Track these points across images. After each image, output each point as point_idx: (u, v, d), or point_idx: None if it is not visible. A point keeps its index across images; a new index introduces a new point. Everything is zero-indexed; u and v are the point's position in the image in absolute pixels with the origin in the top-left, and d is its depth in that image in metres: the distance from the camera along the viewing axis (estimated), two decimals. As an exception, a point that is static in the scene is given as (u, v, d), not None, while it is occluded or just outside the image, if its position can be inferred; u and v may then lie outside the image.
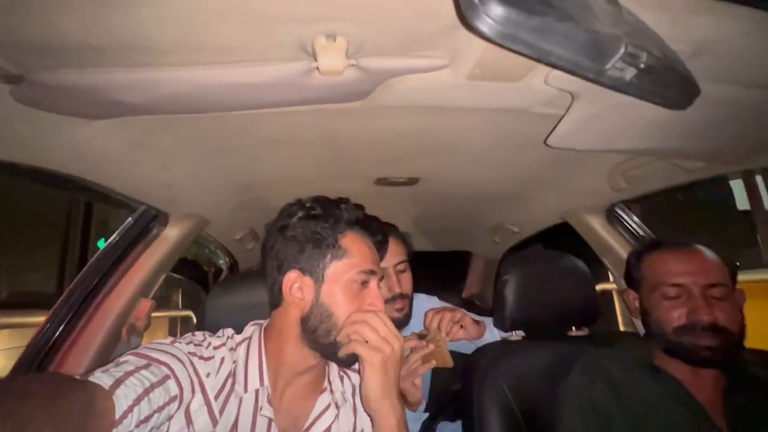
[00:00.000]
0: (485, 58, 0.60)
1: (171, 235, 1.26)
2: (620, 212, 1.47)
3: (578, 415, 0.84)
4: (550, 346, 1.08)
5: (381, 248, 0.81)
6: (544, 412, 0.91)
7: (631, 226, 1.46)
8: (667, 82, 0.45)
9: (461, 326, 1.06)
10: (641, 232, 1.44)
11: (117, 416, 0.50)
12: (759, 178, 3.12)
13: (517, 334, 1.16)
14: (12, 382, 0.44)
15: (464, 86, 0.70)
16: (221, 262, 2.34)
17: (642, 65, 0.39)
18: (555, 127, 0.78)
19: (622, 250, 1.42)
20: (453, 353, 1.08)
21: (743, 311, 0.82)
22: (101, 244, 1.23)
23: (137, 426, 0.53)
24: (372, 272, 0.74)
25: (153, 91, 0.68)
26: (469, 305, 2.28)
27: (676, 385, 0.81)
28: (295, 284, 0.72)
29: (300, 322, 0.72)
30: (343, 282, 0.71)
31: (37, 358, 1.02)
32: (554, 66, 0.43)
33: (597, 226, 1.46)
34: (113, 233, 1.23)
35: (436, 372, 1.37)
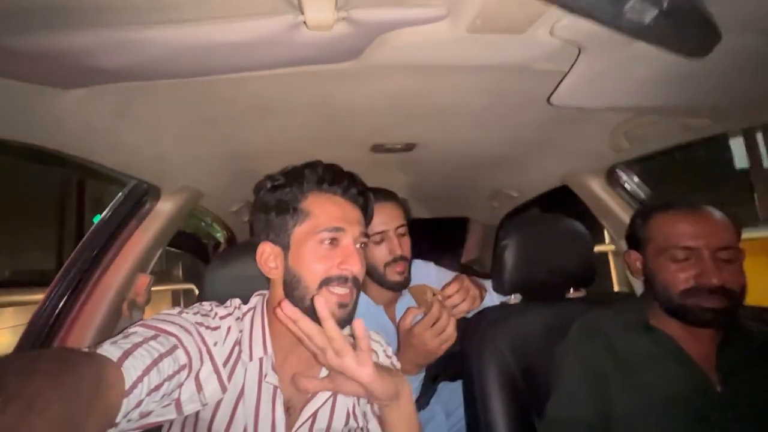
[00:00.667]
0: (487, 6, 0.55)
1: (164, 209, 1.23)
2: (621, 174, 1.45)
3: (576, 373, 0.86)
4: (548, 308, 1.09)
5: (358, 202, 0.77)
6: (542, 372, 0.93)
7: (631, 187, 1.44)
8: (687, 27, 0.42)
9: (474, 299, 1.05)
10: (642, 194, 1.43)
11: (127, 387, 0.51)
12: (759, 136, 3.07)
13: (516, 297, 1.17)
14: (17, 359, 0.43)
15: (463, 40, 0.66)
16: (219, 234, 2.33)
17: (664, 5, 0.36)
18: (559, 83, 0.74)
19: (622, 212, 1.41)
20: (460, 320, 1.09)
21: (744, 270, 0.81)
22: (96, 219, 1.21)
23: (148, 395, 0.54)
24: (339, 229, 0.71)
25: (130, 54, 0.63)
26: (468, 270, 2.30)
27: (670, 342, 0.83)
28: (269, 256, 0.73)
29: (284, 291, 0.73)
30: (308, 245, 0.71)
31: (41, 336, 1.02)
32: (567, 8, 0.39)
33: (597, 189, 1.45)
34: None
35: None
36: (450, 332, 0.95)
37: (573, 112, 0.95)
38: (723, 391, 0.77)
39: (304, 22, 0.55)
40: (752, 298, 0.84)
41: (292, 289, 0.71)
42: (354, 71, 0.78)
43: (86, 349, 0.52)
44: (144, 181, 1.16)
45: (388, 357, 0.86)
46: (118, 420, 0.50)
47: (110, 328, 1.11)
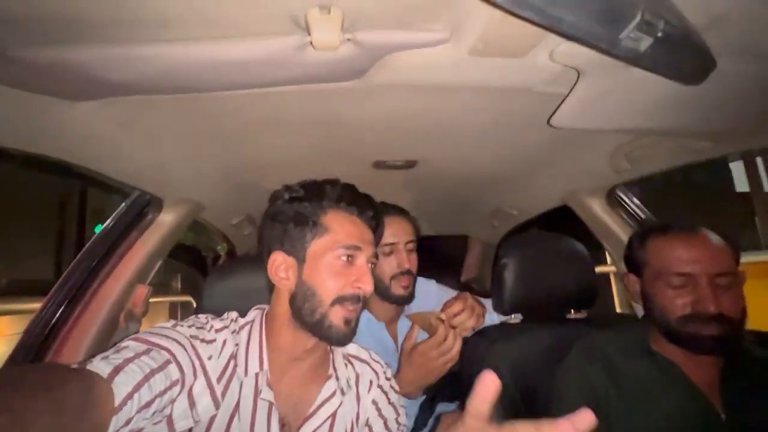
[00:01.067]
0: (488, 31, 0.57)
1: (166, 220, 1.24)
2: (621, 194, 1.45)
3: (576, 396, 0.84)
4: (549, 329, 1.08)
5: (371, 225, 0.79)
6: (542, 393, 0.92)
7: (632, 208, 1.45)
8: (682, 55, 0.43)
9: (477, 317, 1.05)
10: (642, 215, 1.43)
11: (116, 404, 0.50)
12: (759, 160, 3.10)
13: (516, 317, 1.16)
14: (4, 373, 0.43)
15: (465, 63, 0.67)
16: (219, 247, 2.33)
17: (658, 34, 0.37)
18: (559, 106, 0.75)
19: (623, 233, 1.41)
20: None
21: (743, 294, 0.80)
22: (98, 229, 1.21)
23: (138, 412, 0.53)
24: (356, 248, 0.72)
25: (139, 68, 0.65)
26: (467, 289, 2.28)
27: (672, 368, 0.81)
28: (280, 266, 0.73)
29: (289, 304, 0.73)
30: (325, 259, 0.71)
31: (35, 345, 1.01)
32: (565, 35, 0.40)
33: (597, 209, 1.45)
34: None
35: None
36: (456, 352, 0.95)
37: (573, 133, 0.96)
38: (727, 418, 0.76)
39: (311, 43, 0.57)
40: (754, 323, 0.84)
41: (303, 301, 0.71)
42: (357, 90, 0.80)
43: (76, 365, 0.52)
44: (146, 192, 1.17)
45: (388, 379, 0.85)
46: None
47: (106, 339, 1.10)
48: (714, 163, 1.16)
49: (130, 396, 0.51)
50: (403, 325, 1.27)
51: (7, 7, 0.51)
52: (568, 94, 0.73)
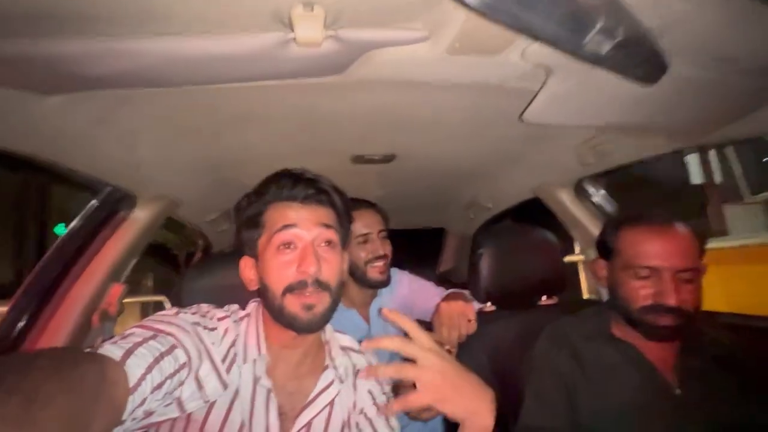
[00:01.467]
0: (465, 31, 0.60)
1: (140, 217, 1.21)
2: (588, 187, 1.53)
3: (546, 381, 0.88)
4: (521, 315, 1.14)
5: (319, 202, 0.75)
6: (515, 377, 0.97)
7: (598, 200, 1.53)
8: (638, 57, 0.47)
9: (468, 320, 1.08)
10: (608, 206, 1.52)
11: (131, 384, 0.50)
12: (712, 153, 3.32)
13: (490, 307, 1.22)
14: (14, 357, 0.42)
15: (442, 60, 0.70)
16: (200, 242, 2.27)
17: (617, 39, 0.41)
18: (530, 102, 0.80)
19: (590, 224, 1.49)
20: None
21: (701, 286, 0.84)
22: (60, 230, 1.17)
23: (151, 393, 0.54)
24: (289, 226, 0.71)
25: (116, 62, 0.63)
26: (444, 281, 2.34)
27: (631, 350, 0.87)
28: (245, 268, 0.76)
29: (262, 302, 0.75)
30: (268, 253, 0.72)
31: (3, 349, 0.97)
32: (534, 37, 0.44)
33: (566, 201, 1.53)
34: (74, 219, 1.16)
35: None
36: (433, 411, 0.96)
37: (543, 129, 1.01)
38: (681, 393, 0.82)
39: (294, 39, 0.58)
40: (705, 305, 0.91)
41: (264, 298, 0.73)
42: (338, 85, 0.81)
43: (88, 350, 0.52)
44: (119, 189, 1.13)
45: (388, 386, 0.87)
46: (124, 417, 0.50)
47: (79, 340, 1.07)
48: (672, 156, 1.24)
49: (143, 377, 0.52)
50: (374, 307, 1.33)
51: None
52: (538, 92, 0.77)
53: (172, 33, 0.58)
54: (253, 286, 0.76)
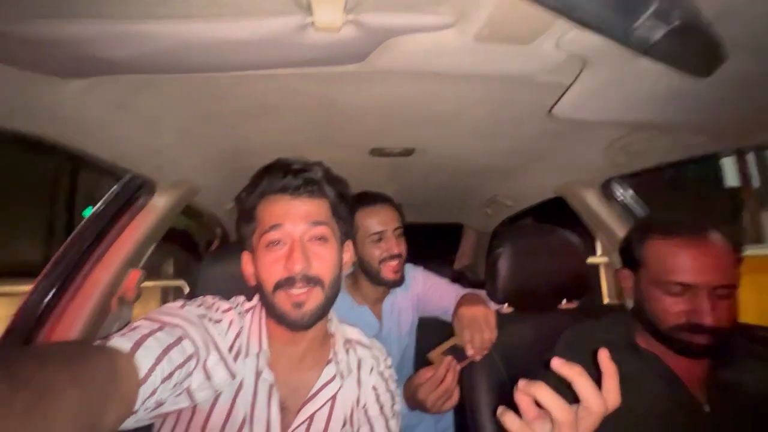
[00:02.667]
0: (495, 16, 0.56)
1: (159, 203, 1.22)
2: (616, 187, 1.46)
3: (562, 385, 0.85)
4: (541, 319, 1.09)
5: (310, 193, 0.73)
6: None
7: (626, 201, 1.46)
8: (694, 46, 0.42)
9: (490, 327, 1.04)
10: (637, 208, 1.44)
11: (141, 376, 0.51)
12: (750, 156, 3.14)
13: (507, 308, 1.17)
14: (24, 351, 0.42)
15: (469, 49, 0.66)
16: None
17: (673, 24, 0.36)
18: (561, 96, 0.75)
19: (616, 226, 1.42)
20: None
21: (738, 300, 0.77)
22: (87, 212, 1.19)
23: (162, 383, 0.54)
24: (275, 226, 0.70)
25: (134, 46, 0.62)
26: (460, 277, 2.31)
27: (657, 363, 0.82)
28: (245, 264, 0.76)
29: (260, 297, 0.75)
30: (260, 248, 0.72)
31: (25, 329, 1.00)
32: (577, 22, 0.39)
33: (592, 201, 1.46)
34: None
35: (422, 339, 1.41)
36: (455, 398, 0.93)
37: (572, 126, 0.96)
38: (710, 410, 0.77)
39: (312, 23, 0.55)
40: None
41: (259, 293, 0.73)
42: (358, 74, 0.78)
43: (98, 342, 0.52)
44: (139, 175, 1.14)
45: (388, 367, 0.86)
46: (136, 408, 0.50)
47: (98, 323, 1.09)
48: (706, 158, 1.16)
49: (153, 368, 0.52)
50: (387, 304, 1.30)
51: None
52: (570, 85, 0.72)
53: (189, 16, 0.57)
54: (253, 282, 0.75)
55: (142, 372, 0.51)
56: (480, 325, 1.02)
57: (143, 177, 1.15)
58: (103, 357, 0.48)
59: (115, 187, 1.18)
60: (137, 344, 0.53)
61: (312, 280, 0.69)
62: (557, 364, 0.54)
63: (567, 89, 0.73)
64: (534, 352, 0.97)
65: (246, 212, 0.75)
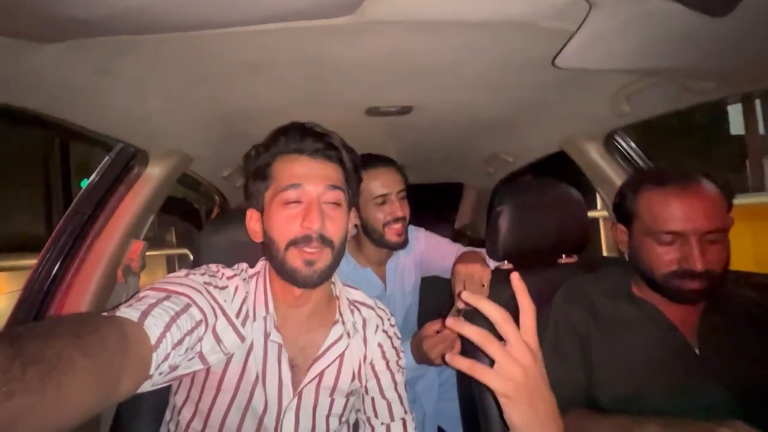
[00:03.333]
0: (495, -44, 0.51)
1: (153, 173, 1.20)
2: (619, 139, 1.43)
3: (562, 334, 0.88)
4: (541, 273, 1.11)
5: (327, 157, 0.74)
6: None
7: (629, 154, 1.43)
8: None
9: (482, 285, 1.07)
10: (640, 161, 1.42)
11: (153, 342, 0.52)
12: (757, 102, 3.04)
13: (507, 265, 1.19)
14: (33, 327, 0.43)
15: None
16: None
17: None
18: (566, 43, 0.70)
19: (619, 179, 1.41)
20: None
21: (729, 244, 0.79)
22: (84, 184, 1.18)
23: (173, 348, 0.56)
24: (295, 185, 0.71)
25: (111, 4, 0.58)
26: (461, 236, 2.32)
27: (651, 309, 0.85)
28: (251, 220, 0.77)
29: (265, 254, 0.77)
30: (273, 207, 0.72)
31: (35, 302, 1.02)
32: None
33: (594, 154, 1.43)
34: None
35: (425, 298, 1.45)
36: (456, 348, 0.99)
37: (576, 75, 0.92)
38: (701, 353, 0.80)
39: None
40: (734, 264, 0.85)
41: (268, 250, 0.74)
42: (350, 27, 0.73)
43: (105, 314, 0.53)
44: (131, 145, 1.11)
45: (392, 325, 0.89)
46: (151, 372, 0.52)
47: (106, 294, 1.11)
48: (711, 105, 1.12)
49: (163, 335, 0.54)
50: (390, 266, 1.33)
51: None
52: (576, 31, 0.68)
53: None
54: (258, 239, 0.76)
55: (153, 339, 0.52)
56: (474, 282, 1.05)
57: (135, 147, 1.12)
58: (112, 327, 0.48)
59: (107, 157, 1.16)
60: (145, 313, 0.54)
61: (326, 241, 0.71)
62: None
63: (572, 36, 0.69)
64: (535, 306, 0.99)
65: (258, 170, 0.75)
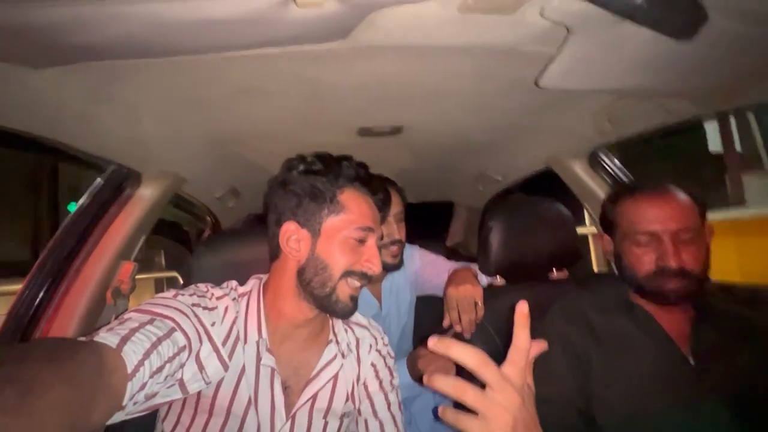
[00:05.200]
0: (478, -14, 0.55)
1: (146, 194, 1.20)
2: (603, 156, 1.48)
3: (558, 354, 0.87)
4: (532, 289, 1.12)
5: (383, 207, 0.81)
6: None
7: (612, 170, 1.48)
8: (676, 8, 0.42)
9: (476, 303, 1.06)
10: (623, 177, 1.47)
11: (129, 371, 0.51)
12: (732, 120, 3.18)
13: (500, 281, 1.20)
14: (9, 348, 0.42)
15: (454, 20, 0.65)
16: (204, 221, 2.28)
17: (655, -14, 0.36)
18: (547, 66, 0.74)
19: (604, 195, 1.45)
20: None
21: (709, 247, 0.85)
22: (72, 207, 1.17)
23: (151, 377, 0.54)
24: (370, 229, 0.74)
25: (105, 30, 0.60)
26: (453, 254, 2.34)
27: (647, 319, 0.86)
28: (292, 236, 0.74)
29: (296, 275, 0.74)
30: (339, 237, 0.73)
31: (20, 326, 0.99)
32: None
33: (580, 171, 1.48)
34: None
35: (420, 316, 1.44)
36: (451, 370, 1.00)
37: (558, 95, 0.96)
38: (696, 365, 0.81)
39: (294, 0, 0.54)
40: (718, 275, 0.88)
41: (313, 274, 0.72)
42: (342, 52, 0.76)
43: (83, 338, 0.52)
44: (123, 166, 1.12)
45: (385, 345, 0.89)
46: (124, 403, 0.50)
47: (94, 317, 1.09)
48: (691, 125, 1.17)
49: (141, 363, 0.52)
50: (386, 285, 1.33)
51: None
52: (556, 54, 0.72)
53: None
54: (295, 257, 0.74)
55: (130, 367, 0.51)
56: (466, 305, 1.05)
57: (128, 168, 1.13)
58: (90, 353, 0.47)
59: (98, 179, 1.16)
60: (125, 339, 0.53)
61: (368, 280, 0.76)
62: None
63: (552, 59, 0.73)
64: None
65: (319, 192, 0.74)
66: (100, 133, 0.94)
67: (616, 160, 1.49)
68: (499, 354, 0.98)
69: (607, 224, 0.94)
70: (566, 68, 0.74)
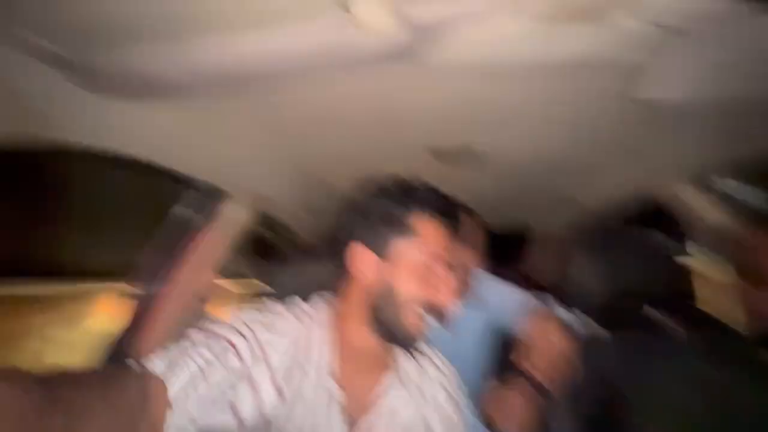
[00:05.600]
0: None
1: (233, 213, 1.31)
2: (716, 181, 1.25)
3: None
4: (640, 337, 0.96)
5: (452, 234, 0.76)
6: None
7: (733, 194, 1.25)
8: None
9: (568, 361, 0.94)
10: (750, 199, 1.22)
11: (170, 397, 0.53)
12: None
13: (598, 329, 1.05)
14: (67, 375, 0.46)
15: (530, 34, 0.60)
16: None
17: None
18: (643, 76, 0.65)
19: (719, 222, 1.22)
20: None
21: None
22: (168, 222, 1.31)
23: (197, 402, 0.56)
24: (441, 257, 0.71)
25: (197, 69, 0.68)
26: (528, 281, 2.15)
27: None
28: (361, 259, 0.72)
29: (363, 298, 0.72)
30: (410, 262, 0.69)
31: (137, 326, 1.13)
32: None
33: (690, 198, 1.27)
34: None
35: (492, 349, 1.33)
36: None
37: (658, 111, 0.84)
38: None
39: (358, 24, 0.54)
40: None
41: (381, 299, 0.70)
42: (412, 74, 0.76)
43: (132, 364, 0.56)
44: (213, 186, 1.24)
45: (454, 379, 0.84)
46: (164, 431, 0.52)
47: (182, 327, 1.19)
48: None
49: (184, 390, 0.54)
50: (462, 321, 1.24)
51: (76, 17, 0.55)
52: (654, 61, 0.62)
53: (239, 28, 0.59)
54: (362, 280, 0.72)
55: (172, 393, 0.53)
56: (555, 361, 0.92)
57: (217, 188, 1.25)
58: (137, 380, 0.50)
59: (190, 197, 1.28)
60: (172, 364, 0.55)
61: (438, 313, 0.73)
62: None
63: (649, 68, 0.63)
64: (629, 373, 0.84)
65: (392, 217, 0.71)
66: (200, 158, 1.06)
67: (733, 182, 1.25)
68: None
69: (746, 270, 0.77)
70: (665, 78, 0.64)
